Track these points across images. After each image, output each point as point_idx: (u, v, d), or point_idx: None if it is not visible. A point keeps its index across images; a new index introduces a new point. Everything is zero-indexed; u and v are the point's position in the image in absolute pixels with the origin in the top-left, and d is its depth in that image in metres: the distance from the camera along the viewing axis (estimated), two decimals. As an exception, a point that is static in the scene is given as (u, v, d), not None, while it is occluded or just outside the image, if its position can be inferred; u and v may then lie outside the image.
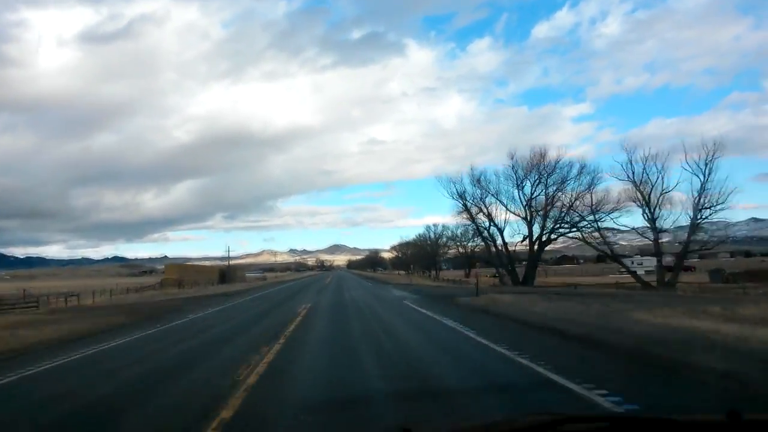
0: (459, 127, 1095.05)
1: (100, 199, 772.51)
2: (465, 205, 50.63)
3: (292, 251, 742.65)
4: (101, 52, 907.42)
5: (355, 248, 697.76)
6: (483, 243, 53.00)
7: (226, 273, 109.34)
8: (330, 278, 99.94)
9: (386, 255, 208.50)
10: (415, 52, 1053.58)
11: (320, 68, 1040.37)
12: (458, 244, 72.67)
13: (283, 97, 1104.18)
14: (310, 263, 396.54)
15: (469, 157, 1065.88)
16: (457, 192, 50.77)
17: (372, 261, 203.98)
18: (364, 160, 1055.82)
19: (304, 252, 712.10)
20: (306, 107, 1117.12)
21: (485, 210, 49.90)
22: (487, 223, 50.82)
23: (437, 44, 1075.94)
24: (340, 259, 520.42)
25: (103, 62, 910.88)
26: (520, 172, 48.04)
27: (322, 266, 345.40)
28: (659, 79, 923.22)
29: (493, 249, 52.16)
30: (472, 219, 51.28)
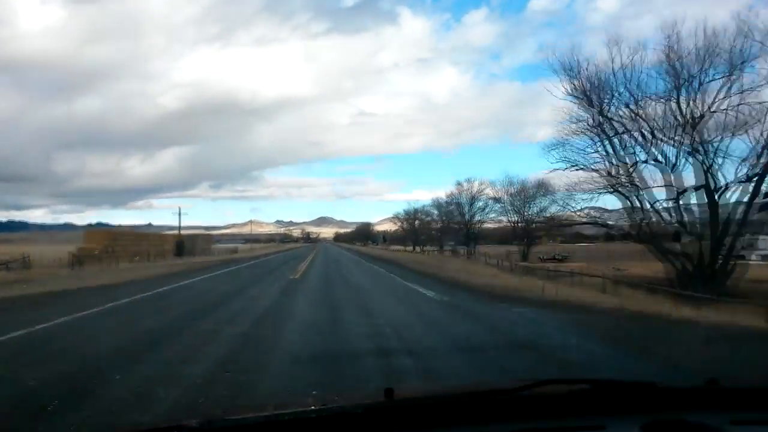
0: (451, 101, 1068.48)
1: (83, 165, 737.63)
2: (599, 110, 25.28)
3: (279, 222, 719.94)
4: (86, 12, 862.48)
5: (342, 221, 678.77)
6: (626, 199, 26.00)
7: (183, 244, 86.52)
8: (314, 254, 78.46)
9: (381, 228, 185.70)
10: (409, 21, 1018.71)
11: (312, 35, 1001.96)
12: (511, 209, 49.56)
13: (272, 65, 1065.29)
14: (296, 235, 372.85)
15: (459, 133, 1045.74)
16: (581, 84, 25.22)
17: (363, 234, 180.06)
18: (353, 132, 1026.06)
19: (291, 224, 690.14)
20: (296, 76, 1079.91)
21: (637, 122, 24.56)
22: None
23: (432, 13, 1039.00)
24: (327, 232, 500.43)
25: (87, 23, 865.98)
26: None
27: (307, 238, 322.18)
28: (655, 56, 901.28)
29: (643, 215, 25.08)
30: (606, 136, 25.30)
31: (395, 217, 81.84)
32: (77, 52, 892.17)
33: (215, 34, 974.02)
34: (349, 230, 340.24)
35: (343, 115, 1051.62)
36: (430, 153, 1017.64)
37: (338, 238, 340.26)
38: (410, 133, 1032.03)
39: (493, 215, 52.81)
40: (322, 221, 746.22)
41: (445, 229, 61.87)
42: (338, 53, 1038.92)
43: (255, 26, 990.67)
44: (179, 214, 69.42)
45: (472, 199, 52.68)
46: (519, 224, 48.62)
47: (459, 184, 54.40)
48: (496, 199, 49.51)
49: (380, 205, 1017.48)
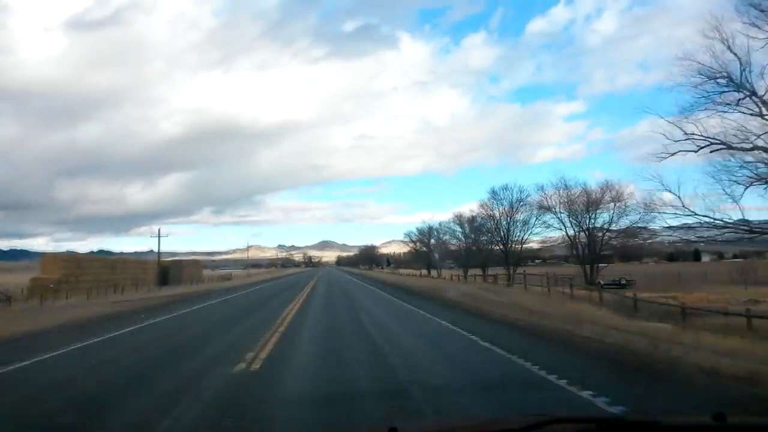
0: (450, 123, 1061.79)
1: (85, 191, 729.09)
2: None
3: (281, 247, 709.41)
4: (88, 40, 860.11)
5: (344, 244, 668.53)
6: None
7: (168, 270, 76.25)
8: (315, 280, 68.33)
9: (385, 250, 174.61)
10: (409, 46, 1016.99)
11: (312, 60, 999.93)
12: (571, 220, 38.50)
13: (273, 90, 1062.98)
14: (297, 259, 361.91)
15: (459, 155, 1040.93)
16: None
17: (367, 257, 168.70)
18: (354, 156, 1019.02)
19: (293, 248, 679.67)
20: (297, 100, 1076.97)
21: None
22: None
23: (432, 38, 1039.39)
24: (329, 256, 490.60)
25: (89, 50, 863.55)
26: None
27: (309, 262, 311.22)
28: (652, 77, 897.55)
29: None
30: None
31: (407, 237, 71.76)
32: (79, 79, 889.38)
33: (216, 60, 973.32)
34: (351, 254, 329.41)
35: (344, 138, 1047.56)
36: (430, 175, 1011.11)
37: (341, 262, 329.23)
38: (410, 155, 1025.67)
39: (538, 230, 42.34)
40: (324, 245, 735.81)
41: (471, 249, 51.67)
42: (338, 77, 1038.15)
43: (256, 52, 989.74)
44: (158, 237, 59.15)
45: (512, 211, 42.13)
46: (578, 239, 38.05)
47: (494, 193, 43.99)
48: (547, 208, 39.13)
49: (382, 228, 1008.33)
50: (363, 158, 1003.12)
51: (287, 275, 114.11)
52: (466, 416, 5.66)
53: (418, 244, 70.14)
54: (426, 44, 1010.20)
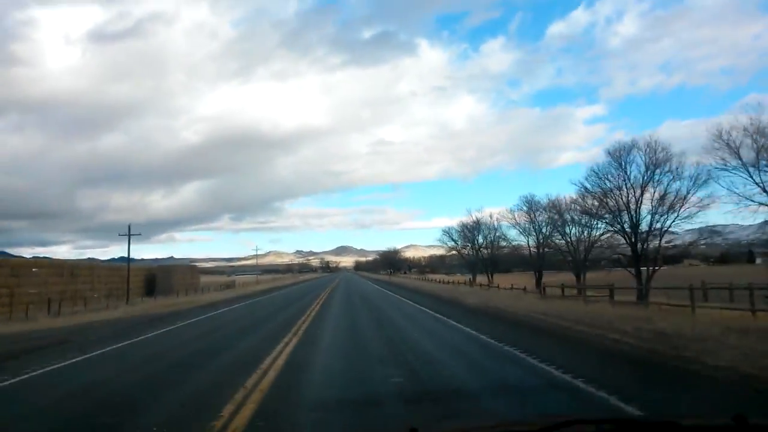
0: (469, 128, 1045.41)
1: (107, 200, 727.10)
2: None
3: (299, 252, 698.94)
4: (109, 52, 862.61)
5: (362, 250, 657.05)
6: None
7: (155, 278, 62.64)
8: (331, 288, 54.41)
9: (410, 254, 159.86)
10: (427, 52, 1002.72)
11: (330, 68, 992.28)
12: None
13: (292, 98, 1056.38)
14: (314, 264, 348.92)
15: (478, 160, 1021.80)
16: None
17: (388, 261, 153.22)
18: (372, 162, 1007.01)
19: (311, 253, 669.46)
20: (315, 108, 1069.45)
21: None
22: None
23: (450, 44, 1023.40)
24: (347, 261, 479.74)
25: (111, 62, 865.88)
26: None
27: (326, 267, 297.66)
28: (674, 79, 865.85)
29: None
30: None
31: (445, 236, 57.06)
32: (101, 90, 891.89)
33: (235, 70, 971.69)
34: (370, 259, 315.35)
35: (362, 144, 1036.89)
36: (448, 181, 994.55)
37: (359, 266, 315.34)
38: (428, 160, 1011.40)
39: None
40: (342, 250, 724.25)
41: (543, 250, 37.25)
42: (356, 84, 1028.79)
43: (274, 61, 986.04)
44: (128, 235, 45.28)
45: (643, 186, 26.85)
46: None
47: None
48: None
49: (400, 234, 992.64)
50: (381, 164, 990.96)
51: (301, 282, 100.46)
52: (485, 419, 5.53)
53: (470, 246, 55.03)
54: (444, 50, 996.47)
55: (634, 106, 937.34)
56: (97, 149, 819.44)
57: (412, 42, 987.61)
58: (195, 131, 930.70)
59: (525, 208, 44.09)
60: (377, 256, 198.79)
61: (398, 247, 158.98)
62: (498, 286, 37.06)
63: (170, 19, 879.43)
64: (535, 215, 42.65)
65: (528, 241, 45.00)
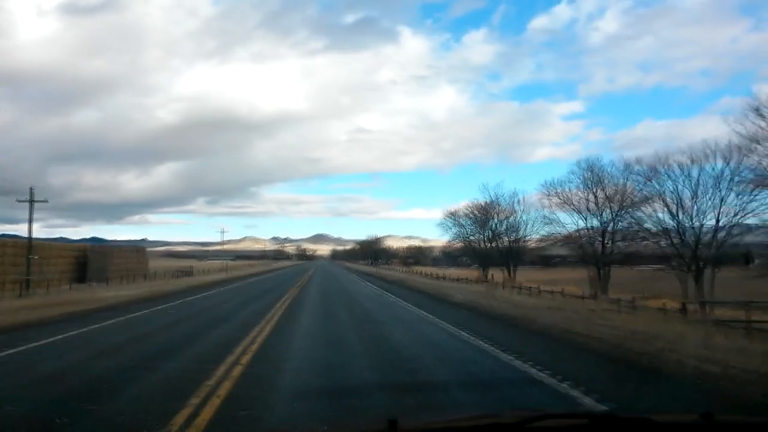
0: (448, 119, 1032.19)
1: (79, 178, 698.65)
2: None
3: (275, 239, 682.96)
4: (83, 25, 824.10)
5: (339, 238, 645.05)
6: None
7: (88, 261, 50.14)
8: (304, 279, 43.24)
9: (392, 243, 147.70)
10: (409, 41, 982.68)
11: (311, 52, 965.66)
12: None
13: (270, 81, 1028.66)
14: (290, 252, 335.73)
15: (456, 152, 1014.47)
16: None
17: (368, 251, 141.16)
18: (350, 149, 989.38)
19: (287, 240, 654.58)
20: (294, 92, 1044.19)
21: None
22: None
23: (432, 33, 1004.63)
24: (324, 249, 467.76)
25: (85, 35, 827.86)
26: None
27: (303, 255, 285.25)
28: (652, 78, 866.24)
29: None
30: None
31: (451, 219, 45.83)
32: (75, 65, 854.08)
33: (214, 49, 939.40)
34: (347, 247, 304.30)
35: (341, 131, 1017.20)
36: (426, 171, 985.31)
37: (336, 255, 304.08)
38: (407, 150, 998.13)
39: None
40: (319, 238, 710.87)
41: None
42: (336, 70, 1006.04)
43: (253, 42, 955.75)
44: (29, 204, 33.03)
45: None
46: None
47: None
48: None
49: (377, 223, 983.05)
50: (359, 152, 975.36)
51: (273, 270, 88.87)
52: (463, 412, 5.54)
53: (469, 229, 43.83)
54: (426, 39, 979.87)
55: (612, 103, 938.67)
56: (69, 125, 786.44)
57: (395, 29, 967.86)
58: (171, 110, 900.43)
59: (584, 177, 32.50)
60: (356, 245, 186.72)
61: (376, 236, 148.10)
62: (539, 289, 26.13)
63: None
64: (600, 187, 31.44)
65: (586, 223, 33.68)
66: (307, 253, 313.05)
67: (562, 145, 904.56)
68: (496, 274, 38.69)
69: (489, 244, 43.33)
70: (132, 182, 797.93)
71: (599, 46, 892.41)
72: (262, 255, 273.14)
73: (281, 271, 77.71)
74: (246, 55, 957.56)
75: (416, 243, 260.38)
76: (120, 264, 52.36)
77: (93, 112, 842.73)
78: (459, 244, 52.59)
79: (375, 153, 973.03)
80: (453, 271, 66.28)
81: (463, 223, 45.34)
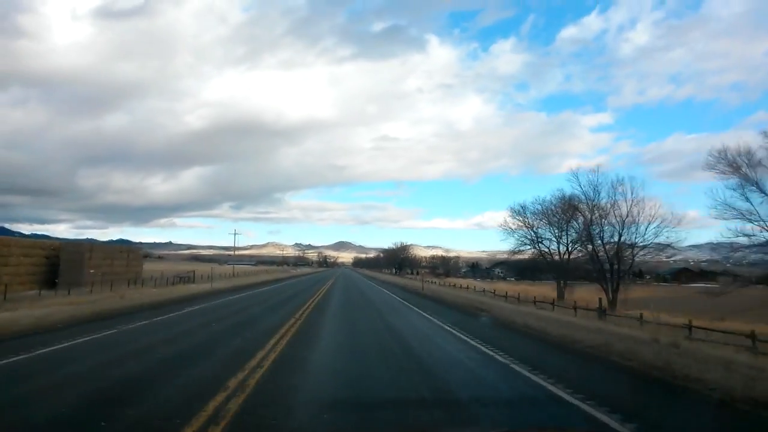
0: (474, 129, 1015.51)
1: (108, 181, 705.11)
2: None
3: (298, 245, 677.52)
4: (116, 29, 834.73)
5: (361, 246, 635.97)
6: None
7: (60, 264, 41.06)
8: (323, 291, 33.29)
9: (415, 252, 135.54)
10: (437, 49, 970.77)
11: (338, 59, 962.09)
12: None
13: (298, 88, 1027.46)
14: (312, 258, 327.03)
15: (482, 162, 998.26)
16: None
17: (394, 259, 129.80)
18: (375, 157, 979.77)
19: (310, 247, 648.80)
20: (321, 99, 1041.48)
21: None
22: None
23: (460, 42, 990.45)
24: (346, 257, 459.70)
25: (117, 40, 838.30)
26: None
27: (324, 262, 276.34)
28: (684, 91, 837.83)
29: None
30: None
31: (517, 217, 35.51)
32: (107, 69, 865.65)
33: (242, 56, 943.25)
34: (371, 255, 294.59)
35: (366, 139, 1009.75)
36: (451, 181, 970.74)
37: (359, 263, 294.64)
38: (432, 159, 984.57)
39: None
40: (341, 246, 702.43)
41: None
42: (364, 78, 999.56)
43: (282, 49, 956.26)
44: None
45: None
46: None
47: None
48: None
49: (399, 232, 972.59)
50: (384, 160, 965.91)
51: (290, 278, 79.41)
52: (484, 429, 5.57)
53: (541, 231, 32.96)
54: (454, 48, 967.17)
55: (642, 116, 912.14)
56: (99, 128, 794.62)
57: (423, 38, 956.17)
58: (199, 116, 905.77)
59: None
60: (379, 253, 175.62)
61: (404, 243, 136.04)
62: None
63: None
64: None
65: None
66: (329, 260, 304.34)
67: (590, 157, 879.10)
68: (583, 293, 28.27)
69: (570, 252, 32.57)
70: (159, 186, 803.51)
71: (630, 58, 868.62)
72: (283, 261, 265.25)
73: (299, 281, 68.12)
74: (274, 61, 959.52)
75: (439, 253, 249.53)
76: (104, 267, 43.29)
77: (123, 116, 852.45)
78: (503, 254, 41.58)
79: (400, 161, 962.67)
80: (503, 286, 55.61)
81: (531, 222, 34.68)
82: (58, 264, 40.15)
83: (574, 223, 32.27)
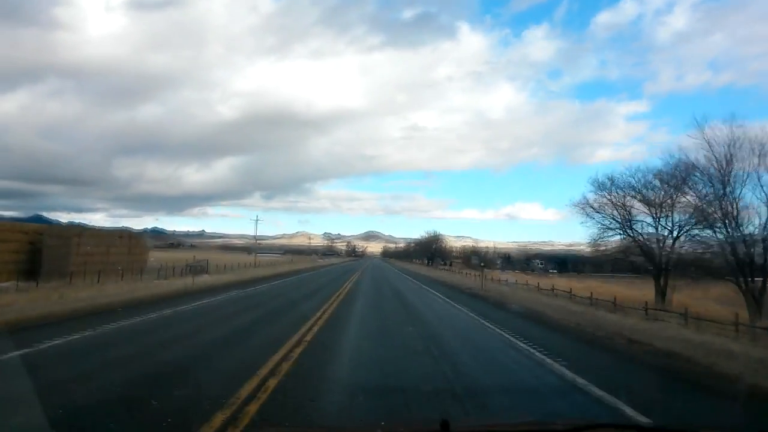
0: (505, 118, 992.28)
1: (142, 170, 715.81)
2: None
3: (327, 235, 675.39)
4: (149, 20, 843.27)
5: (390, 236, 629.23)
6: None
7: (42, 249, 35.27)
8: (342, 291, 25.99)
9: (450, 243, 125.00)
10: (467, 37, 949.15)
11: (368, 48, 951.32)
12: None
13: (327, 77, 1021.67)
14: (341, 248, 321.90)
15: (513, 151, 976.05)
16: None
17: (427, 249, 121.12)
18: (405, 147, 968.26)
19: (339, 236, 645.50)
20: (350, 89, 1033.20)
21: None
22: None
23: (492, 29, 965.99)
24: (375, 247, 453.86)
25: (150, 31, 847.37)
26: None
27: (352, 252, 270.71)
28: (723, 77, 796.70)
29: None
30: None
31: (603, 194, 27.81)
32: (140, 60, 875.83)
33: (273, 46, 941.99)
34: (401, 246, 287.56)
35: (395, 128, 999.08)
36: (481, 171, 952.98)
37: (388, 253, 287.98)
38: (462, 149, 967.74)
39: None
40: (370, 236, 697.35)
41: None
42: (393, 66, 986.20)
43: (311, 38, 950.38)
44: None
45: None
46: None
47: None
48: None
49: (429, 223, 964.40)
50: (414, 150, 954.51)
51: (315, 268, 73.06)
52: (513, 419, 5.43)
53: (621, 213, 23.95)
54: (485, 35, 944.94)
55: (679, 103, 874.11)
56: (133, 118, 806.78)
57: (453, 25, 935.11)
58: (230, 106, 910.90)
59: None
60: (410, 244, 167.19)
61: (426, 235, 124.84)
62: None
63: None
64: None
65: None
66: (358, 250, 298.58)
67: (625, 146, 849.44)
68: (690, 296, 20.44)
69: (676, 239, 24.32)
70: (193, 175, 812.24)
71: (667, 43, 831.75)
72: (312, 251, 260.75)
73: (325, 271, 61.51)
74: (304, 51, 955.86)
75: (468, 243, 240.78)
76: (98, 255, 37.31)
77: (156, 107, 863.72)
78: (561, 245, 33.27)
79: (430, 151, 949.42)
80: (564, 282, 47.43)
81: (622, 201, 26.25)
82: (39, 249, 34.21)
83: (685, 198, 24.11)
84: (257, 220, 72.99)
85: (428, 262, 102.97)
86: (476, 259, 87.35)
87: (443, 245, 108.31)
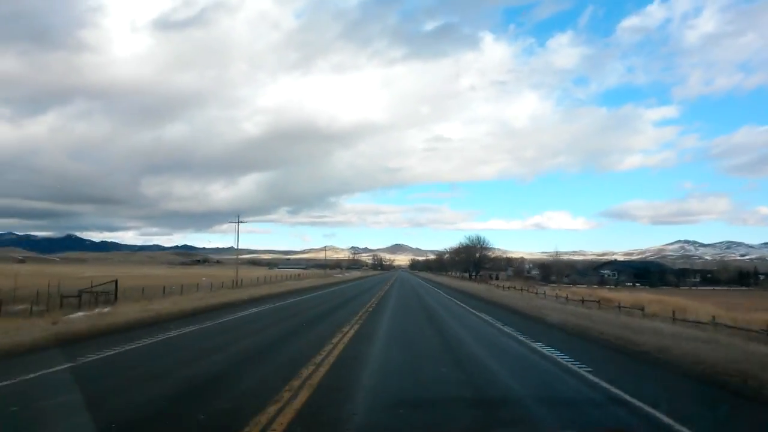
0: (530, 126, 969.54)
1: (170, 188, 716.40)
2: None
3: (353, 248, 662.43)
4: (174, 40, 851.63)
5: (417, 249, 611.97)
6: None
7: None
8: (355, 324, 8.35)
9: (522, 253, 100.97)
10: (490, 46, 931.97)
11: (390, 61, 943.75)
12: None
13: (350, 91, 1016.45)
14: (367, 261, 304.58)
15: (538, 160, 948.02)
16: None
17: (469, 259, 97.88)
18: (429, 158, 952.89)
19: (366, 250, 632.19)
20: (373, 102, 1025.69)
21: None
22: None
23: (516, 38, 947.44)
24: (402, 259, 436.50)
25: (175, 51, 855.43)
26: None
27: (379, 265, 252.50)
28: (755, 80, 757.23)
29: None
30: None
31: None
32: (165, 79, 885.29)
33: (296, 61, 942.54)
34: (424, 258, 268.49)
35: (419, 140, 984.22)
36: (506, 181, 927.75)
37: (415, 265, 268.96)
38: (487, 159, 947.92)
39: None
40: (397, 248, 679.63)
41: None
42: (416, 78, 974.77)
43: (333, 53, 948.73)
44: None
45: None
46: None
47: None
48: None
49: (455, 234, 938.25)
50: (438, 161, 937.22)
51: (332, 284, 55.42)
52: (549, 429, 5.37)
53: None
54: (509, 44, 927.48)
55: (709, 108, 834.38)
56: (160, 137, 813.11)
57: (476, 35, 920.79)
58: (255, 123, 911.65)
59: None
60: (446, 254, 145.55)
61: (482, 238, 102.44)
62: None
63: (234, 7, 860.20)
64: None
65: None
66: (384, 263, 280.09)
67: (654, 152, 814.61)
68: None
69: None
70: (220, 192, 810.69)
71: (695, 46, 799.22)
72: (337, 264, 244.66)
73: (340, 289, 43.48)
74: (326, 66, 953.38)
75: (497, 255, 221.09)
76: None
77: (183, 125, 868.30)
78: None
79: (454, 162, 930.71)
80: (677, 300, 28.77)
81: None
82: None
83: None
84: (239, 221, 56.03)
85: (471, 275, 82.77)
86: (541, 272, 67.74)
87: (489, 254, 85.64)
